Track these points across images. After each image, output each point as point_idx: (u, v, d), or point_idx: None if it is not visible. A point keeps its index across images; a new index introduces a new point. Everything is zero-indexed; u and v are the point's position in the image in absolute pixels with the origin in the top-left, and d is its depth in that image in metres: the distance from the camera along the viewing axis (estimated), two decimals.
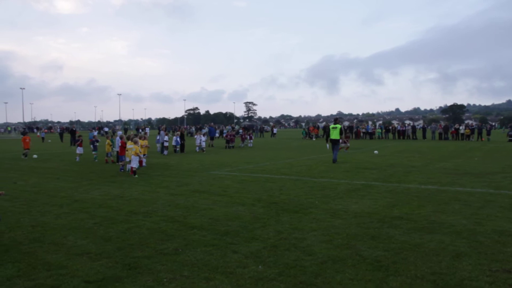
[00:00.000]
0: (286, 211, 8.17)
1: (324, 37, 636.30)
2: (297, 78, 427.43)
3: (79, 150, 19.95)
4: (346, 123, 68.80)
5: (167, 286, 4.49)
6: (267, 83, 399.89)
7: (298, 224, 7.08)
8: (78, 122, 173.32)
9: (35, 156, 21.68)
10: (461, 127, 42.13)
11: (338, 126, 17.62)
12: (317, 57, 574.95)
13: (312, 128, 49.19)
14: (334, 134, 17.44)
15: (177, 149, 24.53)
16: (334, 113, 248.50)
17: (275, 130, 57.12)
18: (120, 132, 25.15)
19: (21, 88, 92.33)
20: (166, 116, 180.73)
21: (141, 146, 15.95)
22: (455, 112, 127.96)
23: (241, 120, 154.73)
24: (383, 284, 4.50)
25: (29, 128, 79.18)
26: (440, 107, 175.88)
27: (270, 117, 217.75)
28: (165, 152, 23.24)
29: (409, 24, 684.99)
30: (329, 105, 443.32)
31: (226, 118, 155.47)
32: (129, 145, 14.30)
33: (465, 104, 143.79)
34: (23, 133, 28.39)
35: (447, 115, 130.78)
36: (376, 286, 4.44)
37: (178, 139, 24.64)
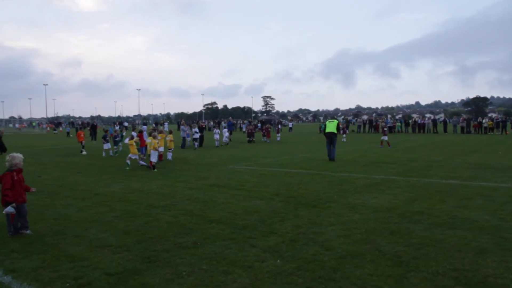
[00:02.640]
0: (304, 205, 8.14)
1: (339, 31, 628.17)
2: (313, 72, 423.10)
3: (106, 146, 19.91)
4: (365, 117, 67.93)
5: (186, 279, 4.53)
6: (282, 77, 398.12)
7: (316, 219, 7.04)
8: (98, 117, 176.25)
9: (84, 152, 21.04)
10: (484, 120, 41.14)
11: (335, 120, 17.18)
12: (332, 51, 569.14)
13: None
14: (331, 127, 16.59)
15: (196, 143, 24.69)
16: (353, 107, 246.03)
17: (290, 124, 56.82)
18: (144, 127, 25.50)
19: (44, 84, 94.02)
20: (185, 111, 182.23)
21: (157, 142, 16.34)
22: (477, 105, 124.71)
23: (259, 115, 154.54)
24: (403, 280, 4.43)
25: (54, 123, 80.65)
26: (462, 100, 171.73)
27: (288, 111, 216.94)
28: (217, 143, 23.92)
29: (426, 16, 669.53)
30: (347, 99, 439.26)
31: (244, 113, 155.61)
32: (147, 139, 14.50)
33: (488, 96, 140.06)
34: (79, 129, 29.01)
35: (469, 108, 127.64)
36: (396, 282, 4.38)
37: (198, 134, 24.85)
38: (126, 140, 15.63)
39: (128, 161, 14.74)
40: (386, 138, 23.57)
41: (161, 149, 16.55)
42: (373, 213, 7.42)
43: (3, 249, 5.66)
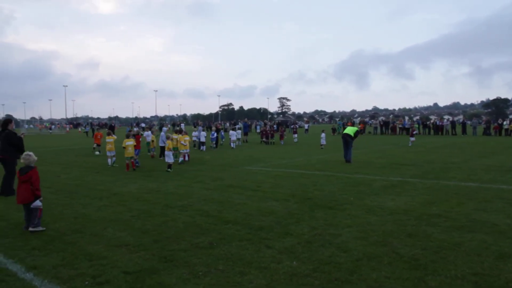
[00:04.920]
0: (320, 207, 8.11)
1: (353, 32, 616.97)
2: (328, 73, 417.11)
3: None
4: (382, 118, 67.20)
5: (202, 279, 4.56)
6: (296, 79, 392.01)
7: (332, 220, 7.01)
8: (116, 118, 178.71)
9: (97, 153, 21.23)
10: (505, 122, 40.29)
11: (356, 128, 17.48)
12: (346, 52, 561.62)
13: (351, 124, 48.22)
14: (349, 130, 16.79)
15: (213, 145, 24.82)
16: (369, 108, 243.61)
17: (306, 126, 56.49)
18: (165, 128, 25.67)
19: (64, 85, 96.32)
20: (201, 112, 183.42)
21: (180, 141, 16.54)
22: (498, 106, 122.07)
23: (275, 116, 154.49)
24: (421, 283, 4.38)
25: (72, 123, 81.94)
26: (482, 102, 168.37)
27: (304, 113, 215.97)
28: (203, 147, 23.54)
29: (441, 16, 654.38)
30: (363, 100, 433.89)
31: (260, 114, 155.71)
32: (166, 143, 14.59)
33: (509, 97, 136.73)
34: (96, 130, 29.16)
35: (489, 110, 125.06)
36: (413, 285, 4.33)
37: (215, 134, 24.96)
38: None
39: (110, 160, 15.87)
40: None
41: (187, 150, 16.75)
42: (390, 215, 7.35)
43: (25, 247, 5.80)
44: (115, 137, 17.09)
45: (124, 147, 14.68)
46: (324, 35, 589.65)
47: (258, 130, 46.62)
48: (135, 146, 15.26)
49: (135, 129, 26.98)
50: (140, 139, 17.65)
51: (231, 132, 27.11)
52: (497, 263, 4.90)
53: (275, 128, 40.58)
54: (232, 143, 25.73)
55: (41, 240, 6.08)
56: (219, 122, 69.34)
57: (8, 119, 10.37)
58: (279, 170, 14.07)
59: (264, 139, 29.36)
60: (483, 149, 22.45)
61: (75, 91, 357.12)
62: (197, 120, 61.79)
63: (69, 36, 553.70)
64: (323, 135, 25.08)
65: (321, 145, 24.54)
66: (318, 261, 5.07)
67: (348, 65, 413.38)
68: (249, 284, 4.43)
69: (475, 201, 8.42)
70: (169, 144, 14.35)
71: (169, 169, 13.98)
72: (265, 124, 40.20)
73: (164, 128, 25.37)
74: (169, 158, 14.19)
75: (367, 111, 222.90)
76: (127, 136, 15.28)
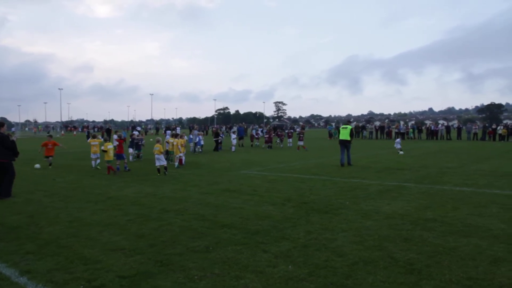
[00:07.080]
0: (316, 211, 8.12)
1: (347, 38, 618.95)
2: (323, 78, 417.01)
3: (130, 150, 20.15)
4: (377, 123, 67.46)
5: (198, 283, 4.56)
6: (290, 83, 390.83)
7: (328, 225, 7.02)
8: (112, 121, 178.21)
9: (37, 165, 16.91)
10: (499, 127, 40.55)
11: (349, 126, 17.11)
12: (341, 58, 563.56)
13: None
14: (344, 134, 16.78)
15: (199, 149, 24.72)
16: (365, 113, 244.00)
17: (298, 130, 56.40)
18: (169, 131, 25.63)
19: (59, 88, 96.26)
20: (197, 116, 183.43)
21: (181, 145, 16.54)
22: (492, 111, 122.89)
23: (271, 120, 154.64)
24: (416, 287, 4.39)
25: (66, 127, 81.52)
26: (476, 107, 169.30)
27: (300, 117, 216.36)
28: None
29: (434, 22, 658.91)
30: (359, 105, 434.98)
31: (256, 118, 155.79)
32: (156, 147, 14.45)
33: (503, 103, 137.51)
34: (47, 137, 19.03)
35: (483, 115, 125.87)
36: None
37: (198, 138, 24.77)
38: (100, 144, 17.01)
39: (94, 162, 16.47)
40: (302, 143, 26.15)
41: (181, 154, 16.73)
42: (386, 219, 7.37)
43: (19, 251, 5.77)
44: (101, 139, 17.22)
45: (105, 151, 14.71)
46: (319, 40, 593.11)
47: (254, 134, 46.74)
48: (117, 151, 15.51)
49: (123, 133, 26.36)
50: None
51: (232, 135, 27.47)
52: (491, 268, 4.93)
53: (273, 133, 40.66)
54: (233, 147, 26.29)
55: (35, 244, 6.05)
56: (215, 126, 69.25)
57: (1, 122, 10.31)
58: (276, 174, 14.08)
59: (268, 144, 29.32)
60: (478, 154, 22.58)
61: (71, 94, 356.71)
62: (192, 124, 61.80)
63: (65, 39, 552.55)
64: (398, 140, 24.80)
65: (399, 149, 23.19)
66: (314, 265, 5.08)
67: (343, 70, 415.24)
68: None
69: (470, 206, 8.47)
70: (159, 147, 14.25)
71: (165, 172, 13.97)
72: (263, 129, 40.25)
73: (168, 132, 25.38)
74: (161, 161, 14.11)
75: (362, 115, 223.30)
76: (105, 140, 15.88)
